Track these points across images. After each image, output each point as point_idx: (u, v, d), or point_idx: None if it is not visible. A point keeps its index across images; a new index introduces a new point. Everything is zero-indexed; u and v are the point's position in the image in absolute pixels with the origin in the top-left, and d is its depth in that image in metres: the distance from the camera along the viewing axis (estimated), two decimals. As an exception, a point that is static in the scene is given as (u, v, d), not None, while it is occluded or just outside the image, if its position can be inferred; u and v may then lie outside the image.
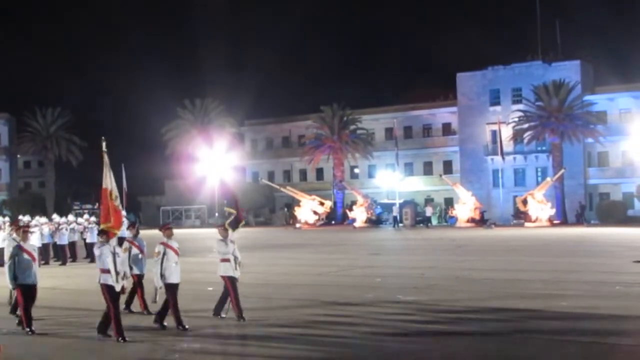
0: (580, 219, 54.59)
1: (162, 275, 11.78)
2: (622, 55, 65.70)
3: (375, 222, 58.28)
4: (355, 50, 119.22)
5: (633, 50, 62.88)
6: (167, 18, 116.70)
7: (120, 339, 10.81)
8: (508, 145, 62.12)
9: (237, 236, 13.02)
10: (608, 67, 61.41)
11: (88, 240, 27.33)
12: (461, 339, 10.81)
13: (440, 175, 62.33)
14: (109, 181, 11.94)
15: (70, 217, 29.25)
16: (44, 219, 27.64)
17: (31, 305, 11.82)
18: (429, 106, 70.17)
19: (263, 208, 70.44)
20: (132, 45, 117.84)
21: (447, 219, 60.68)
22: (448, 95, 69.60)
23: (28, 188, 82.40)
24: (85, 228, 27.78)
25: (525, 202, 52.91)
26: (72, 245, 26.77)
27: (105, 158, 12.11)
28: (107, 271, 10.98)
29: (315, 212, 60.41)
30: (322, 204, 60.90)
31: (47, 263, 24.23)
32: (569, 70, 61.23)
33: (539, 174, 62.99)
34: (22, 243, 12.08)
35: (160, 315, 11.91)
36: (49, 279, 14.22)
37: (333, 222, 61.90)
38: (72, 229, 27.02)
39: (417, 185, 69.16)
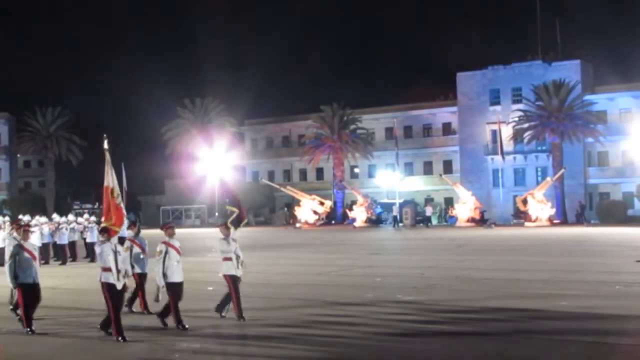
0: (580, 219, 54.57)
1: (164, 275, 11.78)
2: (622, 55, 65.80)
3: (375, 221, 58.29)
4: (355, 50, 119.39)
5: (633, 50, 62.98)
6: (167, 18, 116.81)
7: (120, 338, 10.80)
8: (508, 145, 62.11)
9: (238, 235, 13.01)
10: (608, 66, 61.45)
11: (88, 240, 27.34)
12: (461, 339, 10.81)
13: (440, 175, 62.33)
14: (110, 179, 11.95)
15: (70, 217, 29.27)
16: (44, 219, 27.64)
17: (36, 305, 11.81)
18: (429, 106, 70.15)
19: (263, 208, 70.44)
20: (132, 45, 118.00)
21: (447, 219, 60.67)
22: (448, 94, 69.59)
23: (28, 188, 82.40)
24: (85, 227, 27.79)
25: (525, 201, 52.93)
26: (72, 244, 26.77)
27: (107, 156, 12.11)
28: (108, 269, 10.96)
29: (315, 212, 60.42)
30: (322, 203, 60.91)
31: (47, 263, 24.22)
32: (569, 70, 61.22)
33: (539, 173, 62.99)
34: (22, 242, 12.08)
35: (164, 314, 11.89)
36: (49, 279, 14.22)
37: (333, 221, 61.90)
38: (72, 229, 27.02)
39: (417, 185, 69.15)
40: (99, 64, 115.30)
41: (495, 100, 65.60)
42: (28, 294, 11.79)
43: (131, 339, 10.87)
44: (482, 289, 16.23)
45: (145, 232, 14.19)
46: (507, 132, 61.08)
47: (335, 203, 64.55)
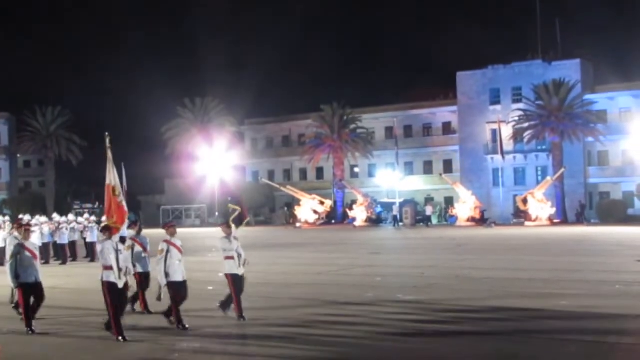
0: (581, 218, 54.57)
1: (166, 274, 11.77)
2: (622, 54, 65.72)
3: (375, 221, 58.31)
4: (355, 50, 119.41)
5: (633, 49, 62.95)
6: (167, 18, 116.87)
7: (120, 338, 10.80)
8: (508, 145, 62.13)
9: (238, 235, 13.00)
10: (608, 66, 61.45)
11: (88, 240, 27.36)
12: (461, 338, 10.81)
13: (441, 175, 62.34)
14: (112, 177, 11.95)
15: (71, 217, 29.28)
16: (44, 218, 27.66)
17: (40, 303, 11.81)
18: (429, 105, 70.16)
19: (263, 207, 70.45)
20: (132, 45, 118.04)
21: (447, 218, 60.68)
22: (448, 94, 69.59)
23: (28, 187, 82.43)
24: (85, 227, 27.79)
25: (525, 201, 52.94)
26: (72, 244, 26.77)
27: (109, 154, 12.11)
28: (110, 268, 10.94)
29: (315, 212, 60.44)
30: (322, 203, 60.93)
31: (47, 262, 24.22)
32: (569, 70, 61.22)
33: (539, 173, 63.00)
34: (23, 241, 12.07)
35: (169, 313, 11.87)
36: (49, 278, 14.21)
37: (333, 221, 61.90)
38: (73, 229, 27.03)
39: (417, 184, 69.15)
40: (99, 64, 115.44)
41: (495, 99, 65.60)
42: (29, 294, 11.79)
43: (131, 338, 10.86)
44: (482, 288, 16.22)
45: (145, 232, 14.18)
46: (507, 131, 61.09)
47: (335, 202, 64.56)
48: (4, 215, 31.38)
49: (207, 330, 11.67)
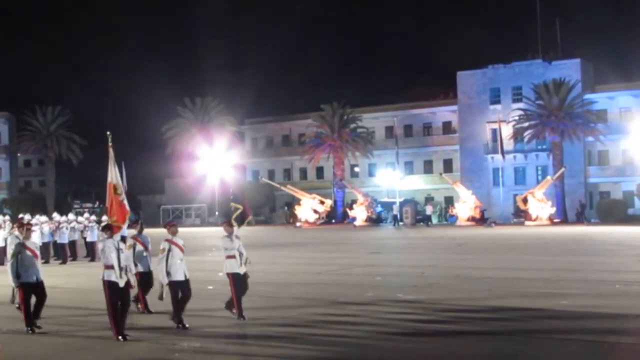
0: (581, 218, 54.57)
1: (168, 273, 11.77)
2: (622, 54, 65.72)
3: (375, 220, 58.31)
4: (355, 49, 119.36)
5: (633, 49, 62.96)
6: (167, 18, 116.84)
7: (119, 337, 10.80)
8: (508, 144, 62.12)
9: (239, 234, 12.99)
10: (608, 65, 61.44)
11: (88, 239, 27.39)
12: (461, 338, 10.80)
13: (441, 174, 62.33)
14: (113, 175, 11.96)
15: (71, 216, 29.28)
16: (44, 218, 27.66)
17: (42, 302, 11.82)
18: (429, 105, 70.14)
19: (263, 207, 70.44)
20: (132, 45, 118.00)
21: (447, 218, 60.68)
22: (448, 93, 69.58)
23: (28, 187, 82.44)
24: (85, 227, 27.81)
25: (525, 200, 52.93)
26: (72, 244, 26.78)
27: (111, 152, 12.12)
28: (111, 267, 10.94)
29: (315, 211, 60.43)
30: (322, 202, 60.92)
31: (47, 262, 24.22)
32: (569, 69, 61.21)
33: (539, 172, 62.99)
34: (24, 241, 12.07)
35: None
36: (49, 278, 14.19)
37: (333, 220, 61.91)
38: (73, 228, 27.03)
39: (417, 183, 69.14)
40: (99, 64, 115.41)
41: (495, 99, 65.58)
42: (29, 294, 11.79)
43: (131, 338, 10.86)
44: (482, 288, 16.22)
45: (145, 232, 14.17)
46: (507, 131, 61.08)
47: (335, 202, 64.56)
48: (4, 215, 31.37)
49: (207, 329, 11.67)
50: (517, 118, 59.70)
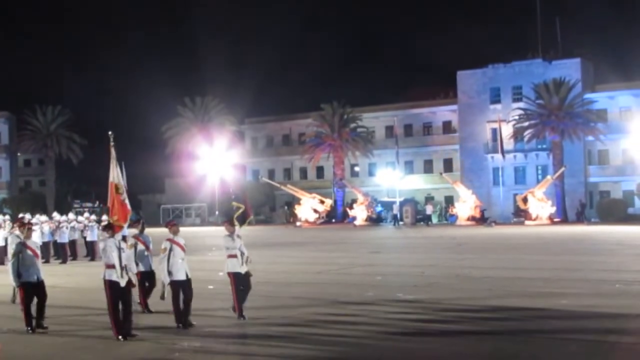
0: (581, 217, 54.58)
1: (169, 272, 11.76)
2: (623, 53, 65.68)
3: (375, 220, 58.31)
4: (355, 49, 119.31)
5: (633, 48, 62.88)
6: (167, 18, 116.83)
7: (119, 337, 10.80)
8: (508, 144, 62.11)
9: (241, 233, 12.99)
10: (608, 65, 61.43)
11: (88, 239, 27.41)
12: (461, 338, 10.80)
13: (441, 174, 62.32)
14: (115, 174, 11.96)
15: (71, 216, 29.30)
16: (44, 217, 27.67)
17: (43, 302, 11.81)
18: (429, 104, 70.15)
19: (263, 206, 70.48)
20: (132, 45, 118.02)
21: (447, 217, 60.70)
22: (448, 93, 69.58)
23: (28, 186, 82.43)
24: (85, 226, 27.81)
25: (525, 200, 52.93)
26: (72, 243, 26.79)
27: (113, 152, 12.12)
28: (112, 266, 10.94)
29: (315, 211, 60.45)
30: (322, 202, 60.93)
31: (47, 261, 24.22)
32: (569, 69, 61.20)
33: (540, 172, 63.00)
34: (25, 240, 12.07)
35: (184, 315, 11.83)
36: (50, 277, 14.18)
37: (333, 220, 61.93)
38: (73, 227, 27.04)
39: (417, 183, 69.14)
40: (99, 64, 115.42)
41: (495, 98, 65.57)
42: (30, 293, 11.79)
43: (131, 338, 10.86)
44: (482, 287, 16.22)
45: (146, 231, 14.17)
46: (507, 130, 61.08)
47: (335, 201, 64.57)
48: (4, 214, 31.38)
49: (208, 329, 11.66)
50: (517, 117, 59.69)
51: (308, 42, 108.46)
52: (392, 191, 63.77)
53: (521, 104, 60.36)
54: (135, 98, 78.67)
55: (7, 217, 28.53)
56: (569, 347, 10.01)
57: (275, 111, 76.94)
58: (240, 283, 12.36)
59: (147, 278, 13.51)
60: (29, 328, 11.62)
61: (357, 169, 72.83)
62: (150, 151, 73.34)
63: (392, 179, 64.94)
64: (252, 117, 77.69)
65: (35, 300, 11.85)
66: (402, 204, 58.44)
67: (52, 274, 19.34)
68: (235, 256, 12.37)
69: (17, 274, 11.76)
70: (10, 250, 13.08)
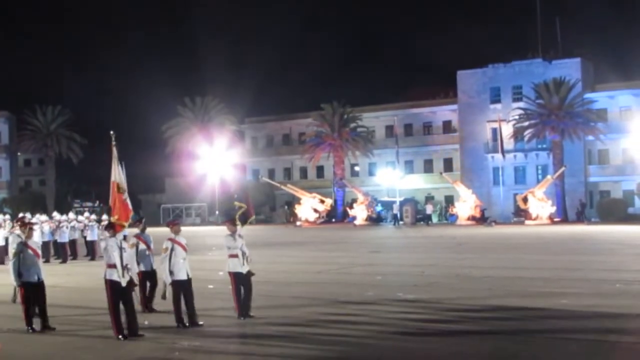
0: (581, 217, 54.58)
1: (171, 272, 11.76)
2: (623, 53, 65.76)
3: (375, 220, 58.32)
4: (355, 49, 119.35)
5: (633, 48, 62.92)
6: (167, 18, 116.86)
7: (120, 337, 10.80)
8: (508, 143, 62.11)
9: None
10: (608, 64, 61.46)
11: (88, 238, 27.41)
12: (462, 337, 10.80)
13: (441, 173, 62.34)
14: (117, 174, 11.96)
15: (71, 215, 29.31)
16: (44, 217, 27.68)
17: (44, 302, 11.80)
18: (429, 104, 70.15)
19: (263, 206, 70.47)
20: (132, 45, 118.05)
21: (447, 217, 60.71)
22: (448, 93, 69.58)
23: (28, 186, 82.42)
24: (85, 226, 27.81)
25: (525, 199, 52.94)
26: (72, 243, 26.80)
27: (114, 151, 12.12)
28: (113, 266, 10.93)
29: (315, 210, 60.45)
30: (322, 201, 60.93)
31: (47, 261, 24.20)
32: (569, 68, 61.19)
33: (540, 171, 62.99)
34: (26, 240, 12.06)
35: (190, 314, 11.83)
36: (50, 277, 14.17)
37: (333, 220, 61.93)
38: (73, 227, 27.05)
39: (417, 183, 69.14)
40: (99, 64, 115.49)
41: (495, 98, 65.57)
42: (30, 293, 11.79)
43: (138, 337, 10.86)
44: (482, 287, 16.22)
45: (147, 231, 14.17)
46: (507, 130, 61.08)
47: (335, 201, 64.57)
48: (4, 214, 31.38)
49: (208, 329, 11.66)
50: (517, 117, 59.69)
51: (308, 42, 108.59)
52: (392, 191, 63.76)
53: (521, 104, 60.36)
54: (135, 98, 78.82)
55: (7, 216, 28.53)
56: (569, 347, 10.01)
57: (276, 111, 76.99)
58: (241, 283, 12.36)
59: (148, 278, 13.51)
60: (29, 328, 11.61)
61: (357, 168, 72.82)
62: (150, 151, 73.43)
63: (392, 178, 64.94)
64: (252, 117, 77.69)
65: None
66: (402, 203, 58.43)
67: (53, 274, 19.32)
68: (236, 256, 12.36)
69: (18, 274, 11.76)
70: (11, 249, 13.08)
